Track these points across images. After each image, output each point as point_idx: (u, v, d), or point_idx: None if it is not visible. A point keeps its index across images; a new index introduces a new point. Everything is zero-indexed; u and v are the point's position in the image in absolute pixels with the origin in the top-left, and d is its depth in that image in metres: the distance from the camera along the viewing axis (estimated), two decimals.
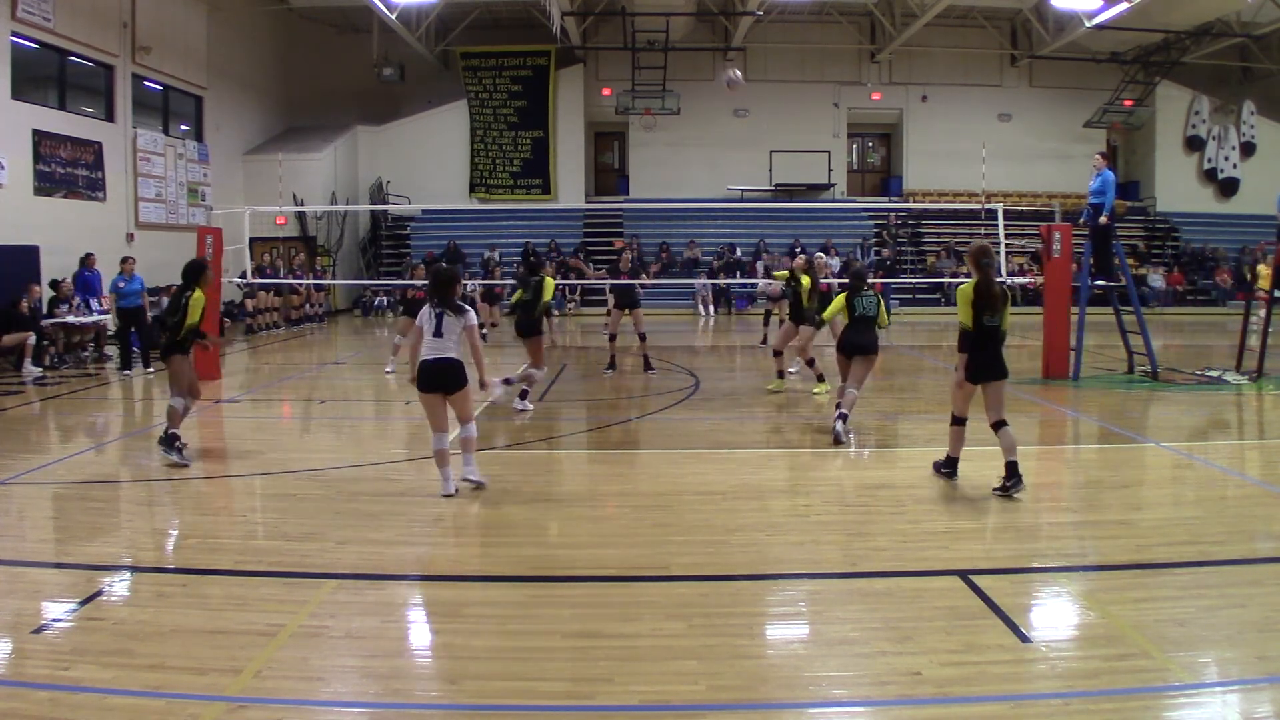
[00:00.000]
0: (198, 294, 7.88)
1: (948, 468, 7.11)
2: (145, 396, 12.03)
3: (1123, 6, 21.78)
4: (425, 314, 6.73)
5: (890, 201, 28.77)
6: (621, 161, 30.05)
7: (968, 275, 7.31)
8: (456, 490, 6.73)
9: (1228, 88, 29.15)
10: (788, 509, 6.49)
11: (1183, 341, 18.04)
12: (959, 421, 6.98)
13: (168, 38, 20.38)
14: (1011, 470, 6.56)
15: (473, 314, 6.82)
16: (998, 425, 6.67)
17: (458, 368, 6.70)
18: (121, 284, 13.58)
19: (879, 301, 8.99)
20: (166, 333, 7.98)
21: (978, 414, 6.90)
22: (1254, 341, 12.77)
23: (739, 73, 19.31)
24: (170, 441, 7.68)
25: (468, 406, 6.91)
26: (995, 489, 6.62)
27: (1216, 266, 26.61)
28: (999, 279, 7.45)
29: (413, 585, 5.10)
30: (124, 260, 13.84)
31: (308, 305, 22.28)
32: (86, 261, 15.72)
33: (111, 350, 15.26)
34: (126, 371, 13.45)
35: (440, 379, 6.67)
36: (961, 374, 6.77)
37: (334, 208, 24.67)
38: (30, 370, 12.99)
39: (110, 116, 18.91)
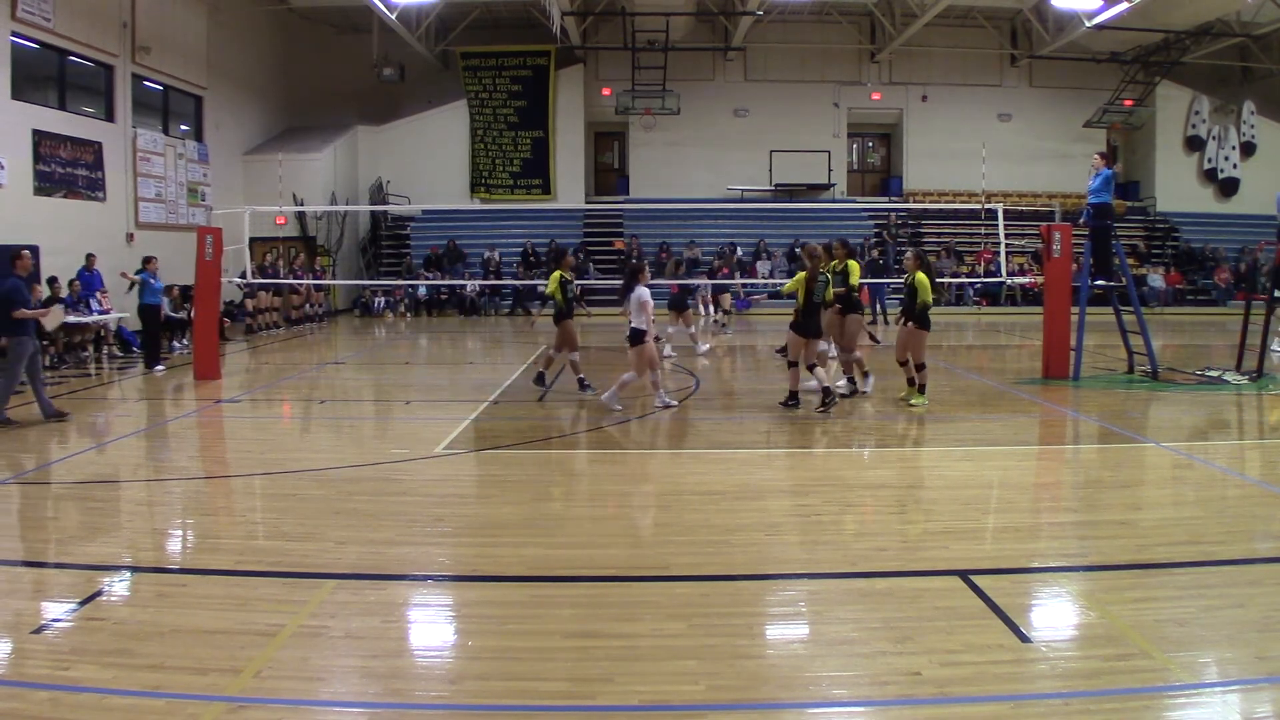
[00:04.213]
0: (556, 273, 11.31)
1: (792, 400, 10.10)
2: (153, 396, 12.02)
3: (1123, 6, 21.77)
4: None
5: (890, 201, 28.78)
6: (621, 161, 30.05)
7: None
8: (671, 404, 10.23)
9: (1228, 88, 29.15)
10: (788, 509, 6.49)
11: (1182, 341, 18.03)
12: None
13: (167, 37, 20.37)
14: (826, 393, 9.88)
15: (641, 291, 9.74)
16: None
17: (632, 332, 9.78)
18: (153, 281, 13.83)
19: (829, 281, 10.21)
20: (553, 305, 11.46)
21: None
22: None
23: None
24: (581, 383, 11.13)
25: (634, 361, 9.85)
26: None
27: (1217, 266, 26.61)
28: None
29: (413, 585, 5.09)
30: (150, 259, 14.09)
31: (308, 305, 22.30)
32: (88, 262, 15.76)
33: (100, 351, 15.38)
34: (158, 367, 13.69)
35: (628, 339, 9.84)
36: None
37: (334, 208, 24.66)
38: None
39: (110, 116, 18.90)
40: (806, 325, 9.88)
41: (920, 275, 10.17)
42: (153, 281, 13.81)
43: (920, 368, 10.44)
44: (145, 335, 14.20)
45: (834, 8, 27.29)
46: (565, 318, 11.10)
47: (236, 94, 24.36)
